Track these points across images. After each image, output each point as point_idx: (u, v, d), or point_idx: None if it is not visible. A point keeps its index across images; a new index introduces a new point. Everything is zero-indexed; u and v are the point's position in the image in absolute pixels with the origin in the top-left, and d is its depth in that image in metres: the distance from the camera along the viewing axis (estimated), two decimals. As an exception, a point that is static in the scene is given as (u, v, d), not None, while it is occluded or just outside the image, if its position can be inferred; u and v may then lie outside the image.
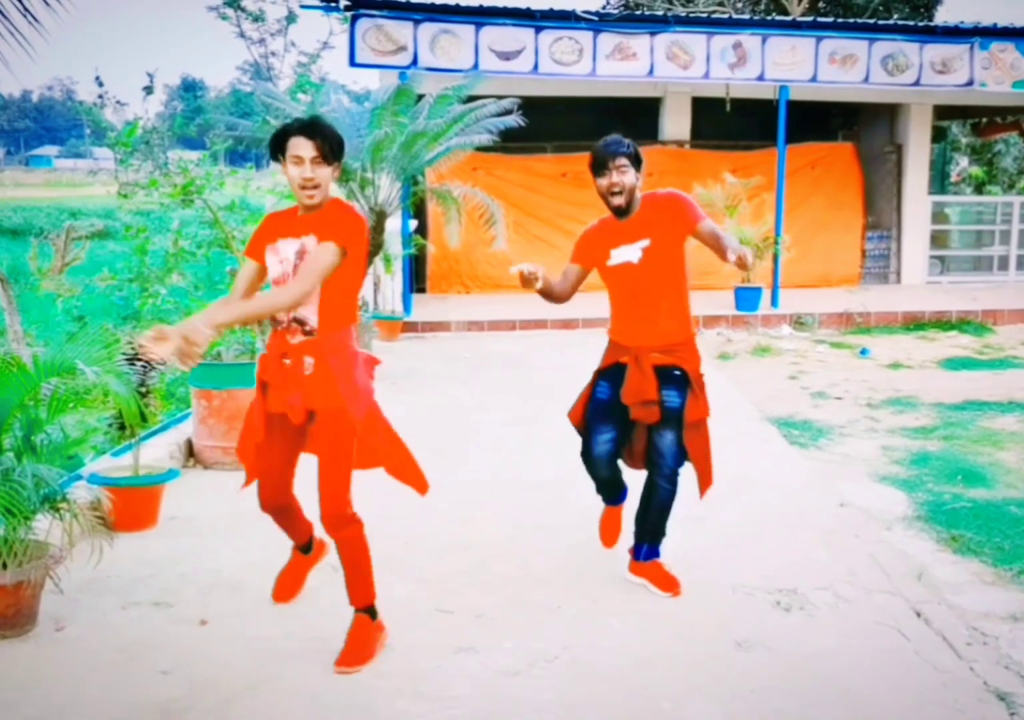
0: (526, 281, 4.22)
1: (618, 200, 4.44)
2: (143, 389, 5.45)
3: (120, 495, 4.96)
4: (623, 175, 4.41)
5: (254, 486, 4.20)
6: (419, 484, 4.19)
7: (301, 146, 3.67)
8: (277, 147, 3.75)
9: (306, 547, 4.44)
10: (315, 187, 3.69)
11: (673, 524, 5.29)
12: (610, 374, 4.56)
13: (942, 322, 12.66)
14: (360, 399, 3.84)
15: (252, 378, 6.58)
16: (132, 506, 5.18)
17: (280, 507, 4.22)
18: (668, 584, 4.52)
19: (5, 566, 3.91)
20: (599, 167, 4.46)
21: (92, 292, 13.74)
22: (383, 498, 5.27)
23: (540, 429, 7.37)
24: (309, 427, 3.94)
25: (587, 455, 4.64)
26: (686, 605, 4.37)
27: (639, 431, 4.58)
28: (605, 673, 3.75)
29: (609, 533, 4.99)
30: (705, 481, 4.60)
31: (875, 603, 4.37)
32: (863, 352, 10.87)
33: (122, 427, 5.88)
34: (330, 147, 3.69)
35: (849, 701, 3.56)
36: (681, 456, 4.51)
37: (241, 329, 7.06)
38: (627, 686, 3.67)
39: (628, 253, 4.47)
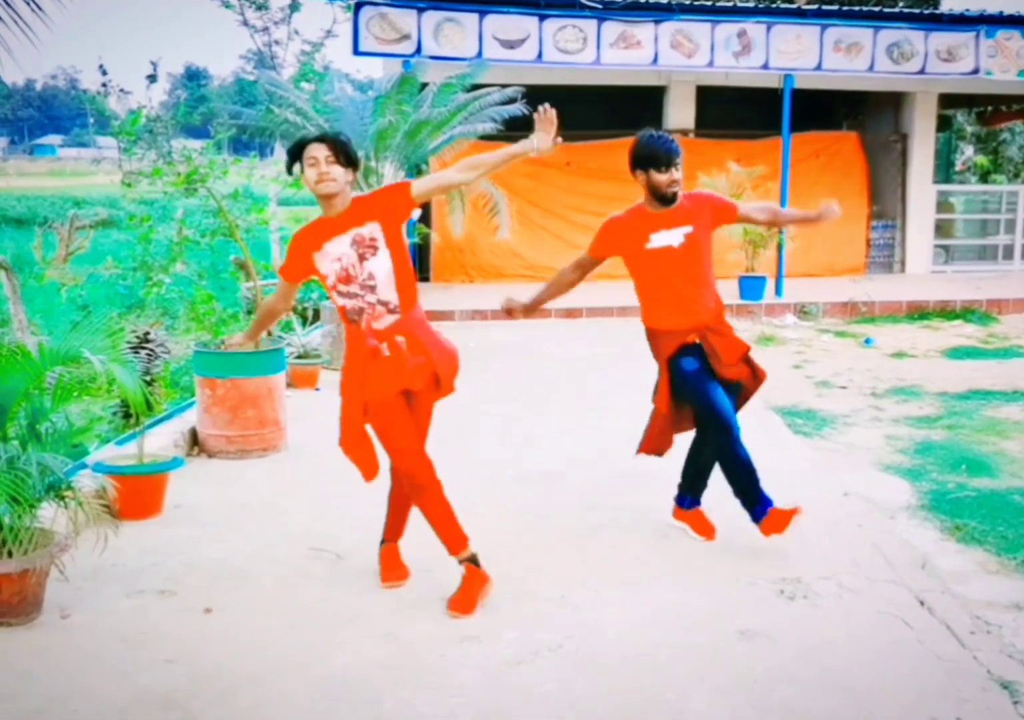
0: (510, 312, 4.95)
1: (674, 190, 4.71)
2: (148, 378, 5.45)
3: (125, 483, 4.96)
4: (679, 172, 4.70)
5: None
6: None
7: (315, 150, 4.03)
8: (294, 158, 4.12)
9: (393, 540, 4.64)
10: (331, 180, 4.01)
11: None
12: (684, 352, 4.84)
13: (947, 311, 12.64)
14: (451, 372, 4.26)
15: (256, 367, 6.60)
16: (137, 495, 5.19)
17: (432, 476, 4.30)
18: (705, 530, 5.04)
19: (11, 554, 3.92)
20: (659, 163, 4.67)
21: (96, 281, 13.74)
22: (385, 489, 5.28)
23: (544, 419, 7.37)
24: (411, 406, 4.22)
25: (717, 411, 4.81)
26: (689, 595, 4.37)
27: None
28: (608, 663, 3.76)
29: (708, 531, 5.10)
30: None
31: (879, 592, 4.38)
32: (867, 341, 10.86)
33: (126, 416, 5.88)
34: (343, 151, 4.04)
35: (852, 690, 3.56)
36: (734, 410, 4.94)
37: (246, 320, 7.07)
38: (630, 676, 3.67)
39: (669, 238, 4.75)
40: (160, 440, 6.09)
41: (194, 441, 6.51)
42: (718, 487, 5.75)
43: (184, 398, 7.63)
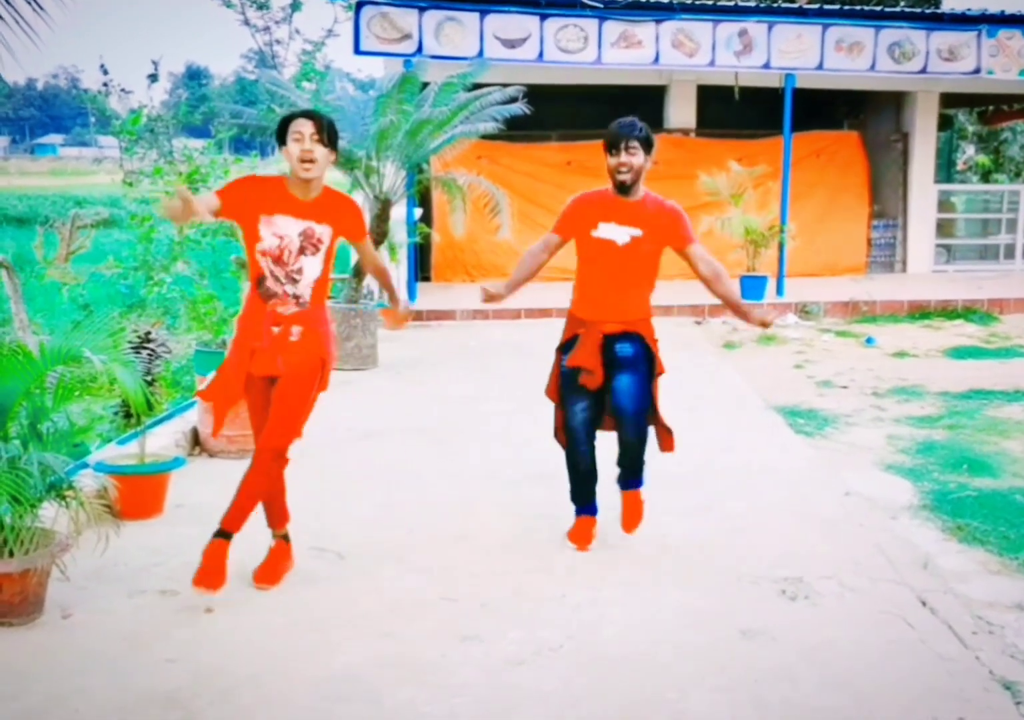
0: (490, 298, 4.96)
1: (623, 176, 4.69)
2: (149, 377, 5.44)
3: (126, 483, 4.96)
4: (632, 156, 4.66)
5: None
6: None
7: (302, 124, 4.14)
8: (281, 131, 4.20)
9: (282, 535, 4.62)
10: (312, 162, 4.12)
11: (678, 514, 5.30)
12: (571, 347, 4.83)
13: (948, 311, 12.63)
14: (332, 362, 4.40)
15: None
16: (138, 494, 5.18)
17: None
18: (629, 516, 4.97)
19: (12, 554, 3.92)
20: (611, 146, 4.71)
21: (98, 280, 13.73)
22: (386, 488, 5.29)
23: (544, 418, 7.36)
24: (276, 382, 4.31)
25: (567, 427, 4.89)
26: (691, 594, 4.37)
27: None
28: (609, 662, 3.76)
29: (583, 538, 4.94)
30: (666, 439, 4.96)
31: (880, 592, 4.37)
32: (869, 341, 10.86)
33: (128, 415, 5.87)
34: (327, 130, 4.15)
35: (854, 690, 3.56)
36: (642, 400, 4.79)
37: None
38: (631, 675, 3.67)
39: (616, 232, 4.73)
40: (161, 440, 6.08)
41: (195, 441, 6.51)
42: (720, 485, 5.76)
43: (185, 398, 7.63)
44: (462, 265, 14.47)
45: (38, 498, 3.97)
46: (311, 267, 4.23)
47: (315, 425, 6.86)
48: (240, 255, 8.21)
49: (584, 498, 4.99)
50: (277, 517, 4.56)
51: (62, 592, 4.18)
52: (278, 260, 4.20)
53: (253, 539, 5.00)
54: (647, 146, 4.70)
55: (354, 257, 10.26)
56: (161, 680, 3.59)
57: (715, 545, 4.95)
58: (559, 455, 6.30)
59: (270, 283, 4.22)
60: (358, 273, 9.45)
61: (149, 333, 5.71)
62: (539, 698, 3.50)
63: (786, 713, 3.42)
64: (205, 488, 5.76)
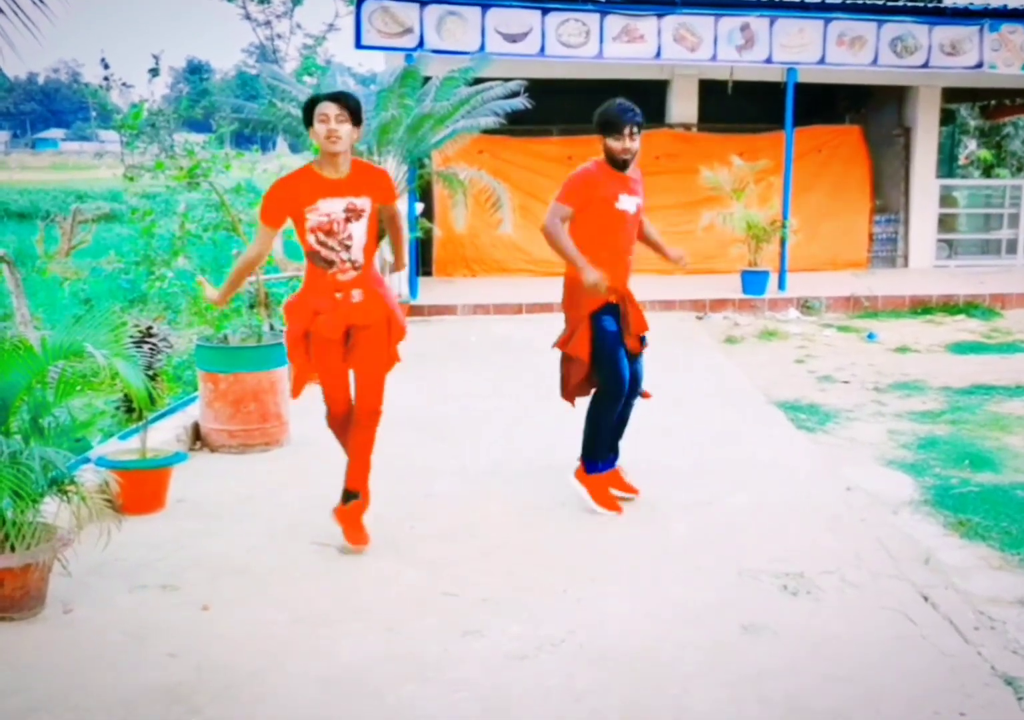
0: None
1: (627, 157, 5.07)
2: (150, 372, 5.45)
3: (128, 478, 4.96)
4: (634, 142, 5.03)
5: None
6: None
7: (327, 107, 4.46)
8: (308, 113, 4.53)
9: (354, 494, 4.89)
10: (338, 138, 4.43)
11: (679, 509, 5.31)
12: (606, 311, 5.11)
13: (950, 306, 12.61)
14: (399, 317, 4.77)
15: (259, 361, 6.61)
16: (140, 489, 5.18)
17: (347, 414, 4.88)
18: (627, 488, 5.40)
19: (13, 549, 3.92)
20: (615, 129, 5.00)
21: (99, 275, 13.74)
22: (387, 483, 5.29)
23: (546, 413, 7.36)
24: (349, 344, 4.70)
25: (620, 378, 5.16)
26: (692, 589, 4.37)
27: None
28: (611, 658, 3.76)
29: (617, 497, 5.32)
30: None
31: (882, 587, 4.37)
32: (870, 336, 10.84)
33: (129, 410, 5.88)
34: (350, 109, 4.47)
35: (856, 685, 3.56)
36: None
37: (248, 314, 7.07)
38: (633, 671, 3.67)
39: (630, 203, 5.15)
40: (163, 435, 6.09)
41: (196, 436, 6.51)
42: (721, 480, 5.76)
43: (186, 392, 7.63)
44: (463, 260, 14.46)
45: (40, 493, 3.97)
46: (359, 232, 4.57)
47: (316, 420, 6.88)
48: (241, 250, 8.21)
49: (614, 447, 5.39)
50: (366, 467, 4.89)
51: (63, 587, 4.18)
52: (329, 232, 4.53)
53: (251, 540, 5.01)
54: (641, 129, 5.08)
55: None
56: (163, 675, 3.59)
57: (716, 540, 4.95)
58: (560, 449, 6.31)
59: (325, 253, 4.55)
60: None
61: (150, 328, 5.72)
62: (541, 693, 3.50)
63: (788, 708, 3.42)
64: (206, 483, 5.77)
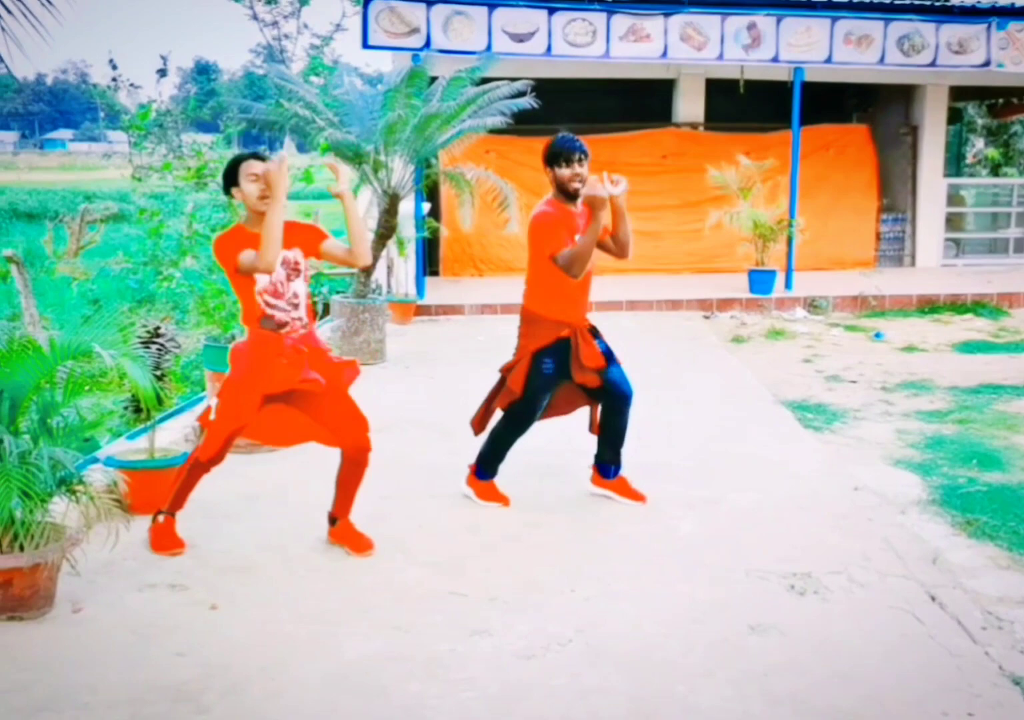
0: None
1: (577, 185, 5.07)
2: (158, 372, 5.46)
3: (136, 478, 4.97)
4: (583, 168, 5.07)
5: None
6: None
7: (254, 166, 4.43)
8: (231, 176, 4.50)
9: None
10: (267, 197, 4.37)
11: (687, 508, 5.31)
12: (550, 351, 5.15)
13: (957, 305, 12.59)
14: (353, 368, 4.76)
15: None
16: (148, 489, 5.19)
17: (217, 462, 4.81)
18: (634, 495, 5.39)
19: (23, 548, 3.94)
20: (564, 160, 5.08)
21: (107, 275, 13.78)
22: (394, 481, 5.30)
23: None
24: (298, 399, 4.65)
25: (528, 420, 5.34)
26: (699, 588, 4.37)
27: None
28: (618, 657, 3.76)
29: (505, 498, 5.43)
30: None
31: (889, 587, 4.37)
32: (877, 335, 10.83)
33: (137, 410, 5.89)
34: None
35: (863, 685, 3.56)
36: (627, 378, 5.33)
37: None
38: (640, 669, 3.68)
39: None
40: (171, 434, 6.09)
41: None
42: (728, 479, 5.76)
43: (195, 392, 7.65)
44: (470, 259, 14.46)
45: (48, 493, 3.99)
46: (300, 287, 4.60)
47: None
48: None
49: (493, 468, 5.47)
50: (350, 499, 4.88)
51: (72, 586, 4.20)
52: (275, 293, 4.52)
53: (259, 540, 5.02)
54: (585, 160, 5.10)
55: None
56: (171, 673, 3.61)
57: (723, 539, 4.95)
58: (567, 448, 6.32)
59: (278, 315, 4.53)
60: (366, 268, 9.46)
61: (158, 328, 5.74)
62: (548, 692, 3.50)
63: (795, 707, 3.42)
64: (214, 483, 5.76)
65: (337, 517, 4.86)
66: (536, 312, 5.20)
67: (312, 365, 4.55)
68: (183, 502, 4.82)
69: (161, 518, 4.80)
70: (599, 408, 5.39)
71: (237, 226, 4.61)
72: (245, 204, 4.51)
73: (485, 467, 5.45)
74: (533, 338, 5.19)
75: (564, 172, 5.06)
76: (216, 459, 4.74)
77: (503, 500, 5.40)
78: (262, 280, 4.48)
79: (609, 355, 5.28)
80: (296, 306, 4.57)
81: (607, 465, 5.46)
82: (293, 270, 4.55)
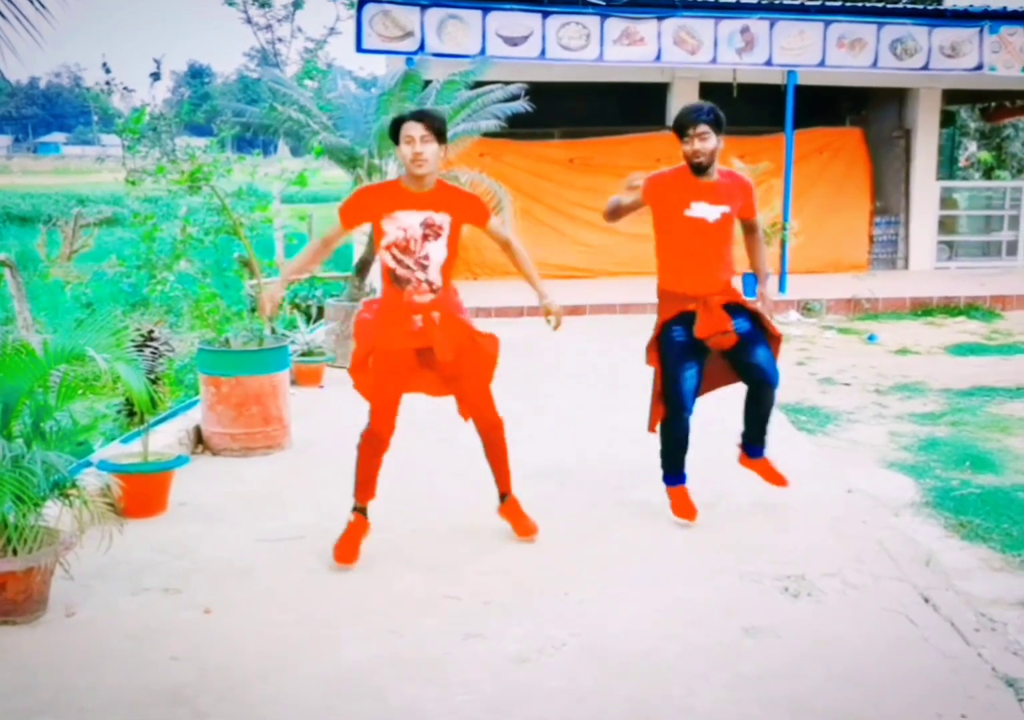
0: (630, 189, 5.09)
1: (699, 160, 4.89)
2: (152, 376, 5.46)
3: (129, 481, 4.96)
4: (704, 142, 4.85)
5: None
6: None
7: (411, 127, 4.44)
8: (393, 131, 4.52)
9: (365, 510, 4.82)
10: (424, 160, 4.43)
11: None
12: (679, 321, 5.07)
13: (950, 308, 12.61)
14: (486, 339, 4.76)
15: (260, 364, 6.62)
16: (141, 493, 5.19)
17: (385, 438, 4.74)
18: (776, 479, 5.38)
19: (16, 552, 3.93)
20: (681, 132, 4.91)
21: (100, 279, 13.76)
22: (390, 485, 5.29)
23: (549, 415, 7.38)
24: (423, 374, 4.72)
25: (677, 392, 5.12)
26: (694, 591, 4.37)
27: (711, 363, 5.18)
28: (614, 659, 3.76)
29: (689, 510, 5.23)
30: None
31: (883, 589, 4.38)
32: (871, 338, 10.85)
33: (131, 414, 5.89)
34: (437, 129, 4.46)
35: (858, 687, 3.56)
36: (775, 363, 5.19)
37: (250, 318, 7.07)
38: (636, 672, 3.68)
39: (708, 211, 5.00)
40: (164, 438, 6.09)
41: (198, 439, 6.51)
42: (722, 482, 5.76)
43: (188, 396, 7.64)
44: (465, 263, 14.42)
45: (42, 497, 3.98)
46: (436, 252, 4.56)
47: (318, 423, 6.89)
48: (243, 253, 8.22)
49: (679, 466, 5.29)
50: (505, 472, 5.01)
51: (66, 590, 4.19)
52: (405, 250, 4.53)
53: (253, 543, 5.01)
54: (717, 127, 4.88)
55: (356, 255, 10.27)
56: (167, 677, 3.60)
57: (718, 542, 4.95)
58: (561, 452, 6.32)
59: (401, 272, 4.54)
60: (360, 271, 9.46)
61: (152, 331, 5.73)
62: (544, 695, 3.50)
63: (791, 709, 3.42)
64: (208, 486, 5.78)
65: (504, 493, 4.98)
66: (661, 287, 5.21)
67: (442, 331, 4.55)
68: (368, 487, 4.79)
69: (351, 517, 4.78)
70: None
71: (395, 180, 4.71)
72: (401, 161, 4.56)
73: (665, 468, 5.32)
74: (662, 311, 5.17)
75: (684, 147, 4.91)
76: (379, 428, 4.69)
77: (688, 514, 5.19)
78: (392, 233, 4.52)
79: (753, 336, 5.10)
80: (425, 268, 4.54)
81: (752, 445, 5.43)
82: (434, 232, 4.53)
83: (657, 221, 5.12)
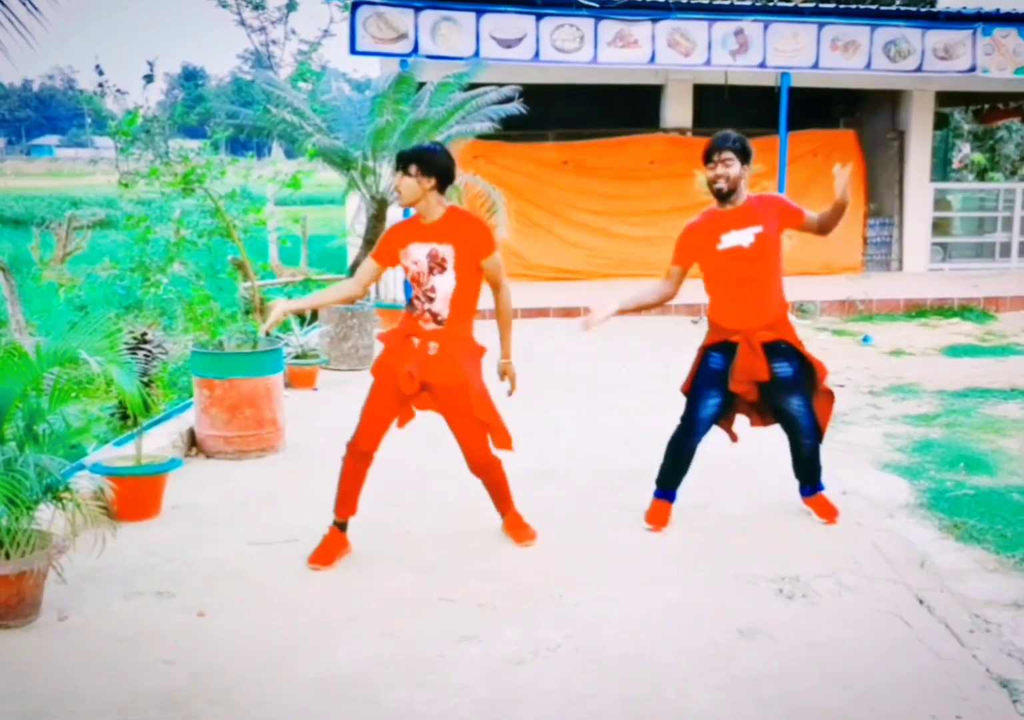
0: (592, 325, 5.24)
1: (719, 185, 4.92)
2: (145, 378, 5.45)
3: (123, 485, 4.96)
4: (727, 168, 4.88)
5: None
6: (503, 441, 4.86)
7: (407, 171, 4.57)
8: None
9: (344, 526, 4.77)
10: (399, 193, 4.63)
11: (675, 512, 5.30)
12: (720, 348, 5.05)
13: (944, 309, 12.63)
14: (477, 378, 4.72)
15: (254, 367, 6.61)
16: (135, 496, 5.18)
17: (367, 453, 4.75)
18: (828, 513, 5.21)
19: (8, 556, 3.92)
20: (707, 158, 4.93)
21: (94, 281, 13.74)
22: (384, 487, 5.29)
23: (544, 417, 7.37)
24: (417, 397, 4.74)
25: (690, 418, 5.15)
26: (688, 593, 4.37)
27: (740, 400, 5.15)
28: (608, 662, 3.76)
29: (660, 521, 5.19)
30: (824, 423, 5.26)
31: (877, 591, 4.38)
32: (865, 339, 10.86)
33: (124, 417, 5.87)
34: (405, 163, 4.55)
35: (853, 688, 3.56)
36: (811, 413, 5.12)
37: (243, 320, 7.06)
38: (630, 674, 3.67)
39: (740, 237, 4.95)
40: (158, 441, 6.08)
41: (192, 442, 6.50)
42: (717, 484, 5.76)
43: (182, 399, 7.62)
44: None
45: (34, 500, 3.97)
46: (442, 284, 4.59)
47: (312, 426, 6.89)
48: (236, 256, 8.21)
49: (670, 482, 5.24)
50: (503, 500, 5.01)
51: (59, 594, 4.18)
52: (416, 281, 4.64)
53: (246, 546, 5.00)
54: (743, 155, 4.90)
55: (350, 258, 10.27)
56: (159, 680, 3.59)
57: (712, 544, 4.95)
58: (556, 453, 6.32)
59: (416, 301, 4.66)
60: (354, 274, 9.46)
61: (145, 334, 5.72)
62: (538, 698, 3.50)
63: (785, 711, 3.42)
64: (202, 489, 5.76)
65: (502, 514, 5.00)
66: (709, 316, 5.25)
67: (433, 363, 4.60)
68: (348, 502, 4.75)
69: (328, 530, 4.75)
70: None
71: (415, 218, 4.74)
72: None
73: (659, 482, 5.26)
74: (707, 337, 5.18)
75: (708, 173, 4.95)
76: (361, 443, 4.72)
77: (657, 523, 5.15)
78: (408, 266, 4.66)
79: (793, 383, 5.02)
80: (432, 299, 4.60)
81: (801, 486, 5.33)
82: (438, 265, 4.59)
83: (699, 265, 5.12)
